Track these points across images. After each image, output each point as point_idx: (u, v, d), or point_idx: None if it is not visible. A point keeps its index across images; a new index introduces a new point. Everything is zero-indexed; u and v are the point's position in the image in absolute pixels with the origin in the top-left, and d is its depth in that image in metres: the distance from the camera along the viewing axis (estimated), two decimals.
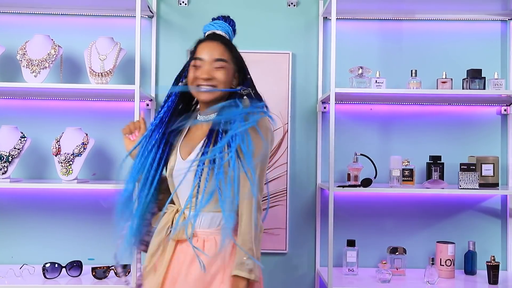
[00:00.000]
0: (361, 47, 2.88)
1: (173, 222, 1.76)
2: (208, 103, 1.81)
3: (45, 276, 2.52)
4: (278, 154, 2.80)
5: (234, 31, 1.94)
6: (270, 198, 2.80)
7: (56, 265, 2.55)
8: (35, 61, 2.56)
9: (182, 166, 1.75)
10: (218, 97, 1.80)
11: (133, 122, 1.95)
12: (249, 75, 1.89)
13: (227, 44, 1.84)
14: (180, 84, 1.86)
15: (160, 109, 1.86)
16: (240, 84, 1.85)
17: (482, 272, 2.68)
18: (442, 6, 2.78)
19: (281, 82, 2.83)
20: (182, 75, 1.88)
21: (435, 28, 2.89)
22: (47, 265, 2.54)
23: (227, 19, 1.93)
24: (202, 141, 1.76)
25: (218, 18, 1.93)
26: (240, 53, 1.88)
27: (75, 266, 2.58)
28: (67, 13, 2.82)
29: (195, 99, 1.90)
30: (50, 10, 2.81)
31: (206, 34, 1.89)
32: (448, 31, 2.88)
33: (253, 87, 1.86)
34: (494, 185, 2.64)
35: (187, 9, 2.86)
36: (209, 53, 1.79)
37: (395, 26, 2.89)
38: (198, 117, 1.86)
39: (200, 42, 1.85)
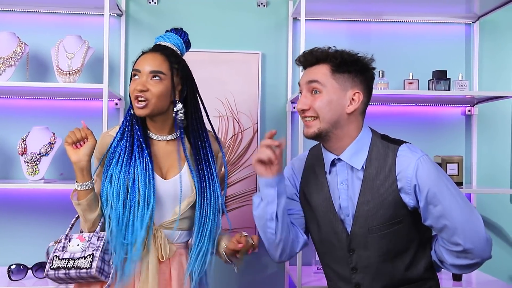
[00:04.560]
0: None
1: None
2: (150, 119, 1.81)
3: (10, 278, 2.48)
4: (248, 154, 2.81)
5: (186, 42, 1.90)
6: (239, 198, 2.80)
7: (22, 267, 2.51)
8: (0, 59, 2.50)
9: (166, 186, 1.78)
10: (153, 113, 1.77)
11: (77, 129, 1.74)
12: (197, 91, 1.87)
13: (169, 56, 1.80)
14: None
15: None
16: (183, 99, 1.82)
17: None
18: (409, 9, 2.83)
19: (251, 82, 2.84)
20: None
21: (402, 30, 2.94)
22: (13, 267, 2.50)
23: (178, 31, 1.89)
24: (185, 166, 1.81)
25: (171, 30, 1.89)
26: (189, 68, 1.85)
27: (41, 267, 2.54)
28: (34, 10, 2.77)
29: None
30: (15, 7, 2.75)
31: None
32: (415, 33, 2.94)
33: (197, 104, 1.85)
34: (459, 184, 2.69)
35: (157, 8, 2.84)
36: (146, 64, 1.76)
37: (363, 27, 2.93)
38: (150, 135, 1.83)
39: (142, 53, 1.82)
